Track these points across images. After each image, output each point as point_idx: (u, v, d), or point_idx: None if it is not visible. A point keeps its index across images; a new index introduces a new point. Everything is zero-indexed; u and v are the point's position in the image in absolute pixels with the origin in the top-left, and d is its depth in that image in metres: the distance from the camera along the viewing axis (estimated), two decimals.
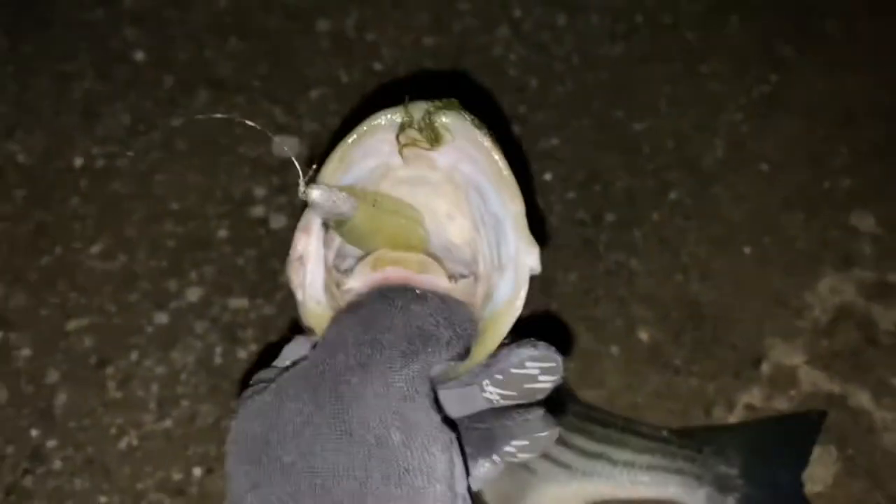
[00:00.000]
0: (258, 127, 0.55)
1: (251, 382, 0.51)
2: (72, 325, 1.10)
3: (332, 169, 0.53)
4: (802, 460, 0.97)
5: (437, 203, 0.55)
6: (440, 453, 0.45)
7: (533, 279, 0.53)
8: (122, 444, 1.01)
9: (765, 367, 1.09)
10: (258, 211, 1.22)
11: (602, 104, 1.35)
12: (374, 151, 0.52)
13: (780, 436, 1.01)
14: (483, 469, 0.50)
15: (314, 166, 0.52)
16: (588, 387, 1.08)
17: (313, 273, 0.54)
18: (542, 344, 0.51)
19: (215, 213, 1.22)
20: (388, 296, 0.49)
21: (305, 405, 0.46)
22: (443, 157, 0.52)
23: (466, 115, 0.52)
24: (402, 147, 0.51)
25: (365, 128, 0.52)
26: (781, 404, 1.06)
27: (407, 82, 1.38)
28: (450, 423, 0.48)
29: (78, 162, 1.27)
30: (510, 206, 0.52)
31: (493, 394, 0.51)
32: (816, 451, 1.00)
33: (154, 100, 1.34)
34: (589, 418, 0.99)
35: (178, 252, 1.17)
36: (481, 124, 0.52)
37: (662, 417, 1.04)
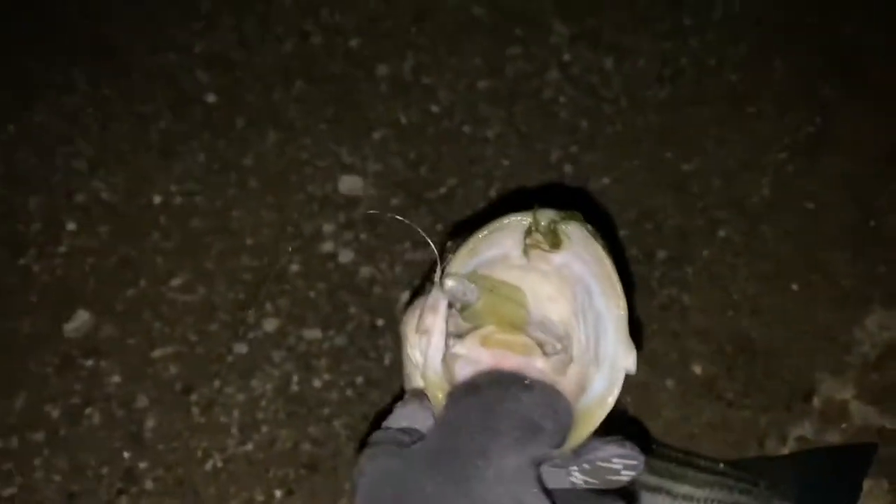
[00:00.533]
0: (420, 231, 0.69)
1: (371, 441, 0.59)
2: (157, 353, 1.18)
3: (463, 256, 0.63)
4: (854, 493, 1.02)
5: (542, 287, 0.63)
6: None
7: None
8: (208, 466, 1.08)
9: (816, 401, 1.13)
10: (327, 246, 1.30)
11: (651, 145, 1.41)
12: (499, 244, 0.62)
13: (833, 468, 1.05)
14: None
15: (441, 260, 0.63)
16: (644, 418, 1.13)
17: (435, 346, 0.63)
18: (629, 444, 0.59)
19: (287, 248, 1.29)
20: (502, 383, 0.57)
21: (435, 479, 0.53)
22: (558, 257, 0.62)
23: (587, 227, 0.61)
24: (527, 248, 0.61)
25: (495, 226, 0.62)
26: (833, 437, 1.10)
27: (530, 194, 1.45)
28: None
29: (157, 199, 1.35)
30: (614, 310, 0.61)
31: (578, 479, 0.58)
32: (868, 484, 1.04)
33: (227, 139, 1.43)
34: (650, 451, 1.04)
35: (255, 285, 1.25)
36: (597, 234, 0.62)
37: (717, 448, 1.09)
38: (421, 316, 0.64)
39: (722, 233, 1.30)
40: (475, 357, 0.61)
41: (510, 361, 0.59)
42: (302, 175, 1.38)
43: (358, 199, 1.35)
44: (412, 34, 1.58)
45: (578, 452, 0.58)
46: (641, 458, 0.58)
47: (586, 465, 0.58)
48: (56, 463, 1.08)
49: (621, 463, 0.57)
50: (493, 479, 0.52)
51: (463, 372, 0.61)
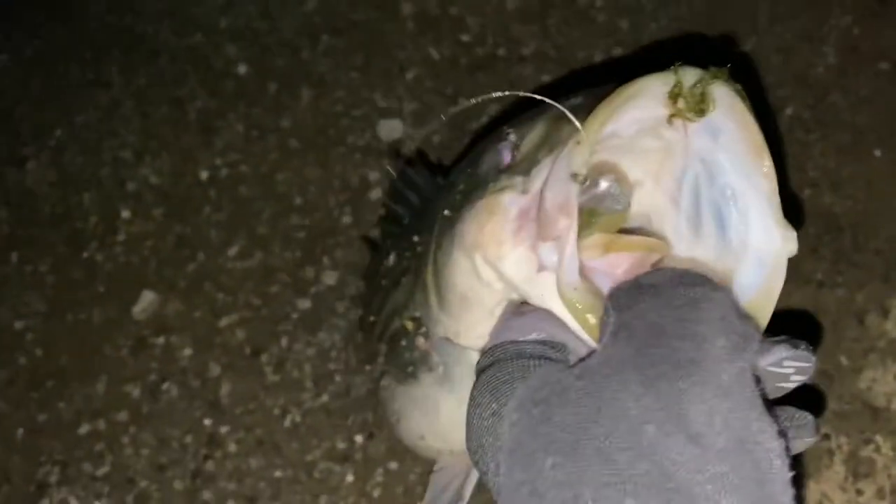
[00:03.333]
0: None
1: (499, 357, 0.50)
2: (223, 322, 1.18)
3: (592, 132, 0.51)
4: None
5: (633, 168, 0.56)
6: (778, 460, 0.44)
7: None
8: (287, 422, 1.07)
9: None
10: (376, 193, 1.27)
11: (700, 32, 1.32)
12: (635, 112, 0.51)
13: None
14: None
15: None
16: None
17: (570, 258, 0.51)
18: (801, 343, 0.49)
19: (336, 202, 1.27)
20: (685, 282, 0.48)
21: (637, 397, 0.44)
22: (681, 126, 0.51)
23: (735, 86, 0.51)
24: (670, 117, 0.51)
25: (629, 92, 0.50)
26: None
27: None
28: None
29: (204, 175, 1.35)
30: (760, 185, 0.50)
31: None
32: None
33: (262, 107, 1.41)
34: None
35: (309, 242, 1.23)
36: (745, 95, 0.51)
37: (814, 330, 1.01)
38: (544, 218, 0.52)
39: (789, 111, 1.21)
40: (613, 264, 0.52)
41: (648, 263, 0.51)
42: (340, 128, 1.35)
43: (399, 142, 1.31)
44: None
45: None
46: (813, 359, 0.49)
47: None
48: (143, 438, 1.10)
49: (792, 366, 0.49)
50: (711, 395, 0.43)
51: (604, 285, 0.52)
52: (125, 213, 1.32)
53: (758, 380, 0.47)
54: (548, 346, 0.51)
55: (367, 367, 1.04)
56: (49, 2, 1.62)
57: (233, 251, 1.25)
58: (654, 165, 0.56)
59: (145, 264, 1.26)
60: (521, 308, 0.56)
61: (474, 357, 0.59)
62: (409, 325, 0.75)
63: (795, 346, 0.49)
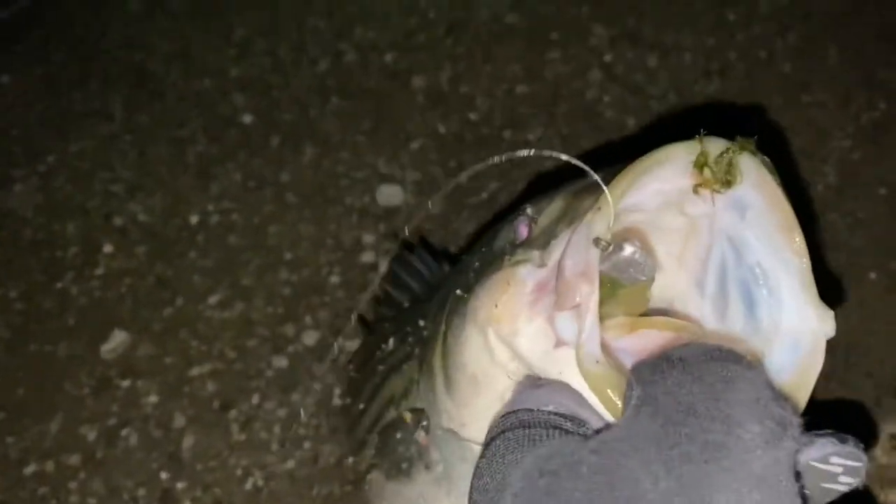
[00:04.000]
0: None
1: (505, 426, 0.47)
2: (195, 371, 1.13)
3: (620, 191, 0.49)
4: None
5: (658, 248, 0.53)
6: None
7: None
8: (248, 485, 1.02)
9: None
10: (368, 256, 1.25)
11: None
12: (658, 182, 0.49)
13: None
14: None
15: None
16: None
17: (591, 327, 0.48)
18: (849, 438, 0.44)
19: (327, 261, 1.24)
20: (716, 358, 0.44)
21: (656, 476, 0.40)
22: (703, 202, 0.49)
23: (762, 158, 0.48)
24: (695, 187, 0.48)
25: (654, 159, 0.48)
26: None
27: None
28: None
29: (194, 219, 1.32)
30: (792, 261, 0.47)
31: None
32: None
33: (263, 158, 1.40)
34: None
35: (294, 298, 1.20)
36: (773, 168, 0.49)
37: None
38: (564, 286, 0.49)
39: None
40: (638, 345, 0.49)
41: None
42: (339, 188, 1.34)
43: (397, 209, 1.30)
44: (447, 45, 1.55)
45: None
46: (865, 459, 0.44)
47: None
48: (92, 486, 1.03)
49: (840, 465, 0.43)
50: (741, 485, 0.39)
51: (627, 362, 0.48)
52: (108, 248, 1.29)
53: (798, 475, 0.42)
54: (564, 418, 0.47)
55: (351, 460, 0.99)
56: (62, 27, 1.62)
57: (214, 299, 1.21)
58: (677, 246, 0.53)
59: (121, 302, 1.22)
60: (537, 381, 0.52)
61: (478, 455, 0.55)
62: (409, 416, 0.70)
63: (843, 441, 0.44)
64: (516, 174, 1.33)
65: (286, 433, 1.06)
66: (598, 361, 0.47)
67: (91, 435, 1.08)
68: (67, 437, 1.08)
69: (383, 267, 1.23)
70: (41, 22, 1.67)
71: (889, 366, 1.06)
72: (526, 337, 0.53)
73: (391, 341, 0.86)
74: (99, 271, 1.26)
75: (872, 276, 1.15)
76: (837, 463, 0.43)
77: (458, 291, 0.63)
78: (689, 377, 0.43)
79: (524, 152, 0.57)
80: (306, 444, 1.05)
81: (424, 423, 0.68)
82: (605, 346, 0.49)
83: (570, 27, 1.53)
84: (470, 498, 0.46)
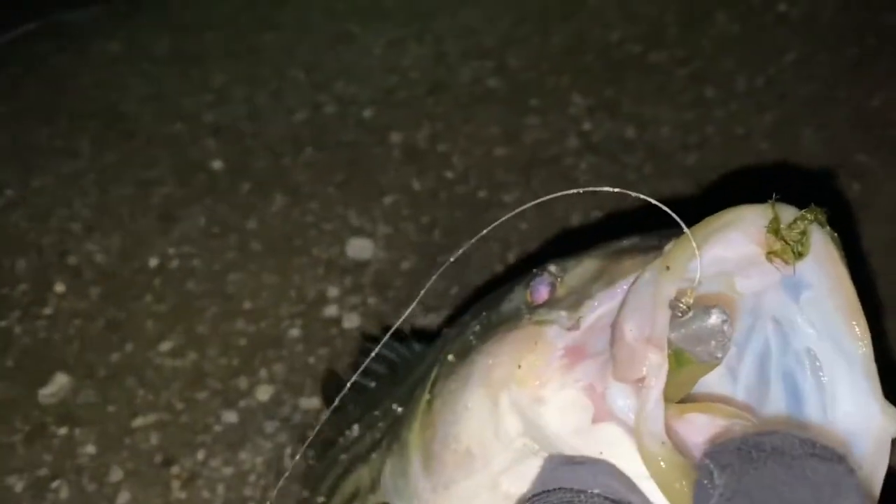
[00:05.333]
0: None
1: (538, 498, 0.41)
2: (138, 421, 1.06)
3: (682, 263, 0.43)
4: None
5: None
6: None
7: None
8: None
9: None
10: (331, 311, 1.20)
11: (679, 212, 1.33)
12: (727, 246, 0.44)
13: None
14: None
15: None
16: None
17: (657, 402, 0.42)
18: None
19: (288, 313, 1.19)
20: (823, 456, 0.38)
21: None
22: (760, 276, 0.44)
23: (832, 233, 0.44)
24: (768, 254, 0.43)
25: (727, 219, 0.44)
26: None
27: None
28: None
29: (153, 262, 1.27)
30: (853, 350, 0.42)
31: None
32: None
33: (230, 204, 1.36)
34: None
35: (249, 350, 1.14)
36: (839, 244, 0.44)
37: None
38: (626, 352, 0.43)
39: None
40: (690, 433, 0.43)
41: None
42: (307, 238, 1.30)
43: (366, 263, 1.26)
44: (428, 104, 1.54)
45: None
46: None
47: None
48: None
49: None
50: None
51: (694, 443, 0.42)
52: (59, 287, 1.23)
53: None
54: (612, 503, 0.41)
55: None
56: (36, 62, 1.60)
57: (165, 346, 1.15)
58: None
59: (67, 344, 1.16)
60: (573, 459, 0.46)
61: None
62: None
63: None
64: (490, 233, 1.29)
65: (230, 494, 0.98)
66: (663, 443, 0.41)
67: (18, 486, 1.00)
68: None
69: (347, 322, 1.18)
70: (17, 58, 1.65)
71: None
72: (554, 406, 0.47)
73: (356, 427, 0.79)
74: (47, 311, 1.20)
75: None
76: None
77: (451, 357, 0.57)
78: (790, 473, 0.38)
79: (604, 188, 0.52)
80: None
81: None
82: (672, 437, 0.42)
83: (549, 94, 1.53)
84: None
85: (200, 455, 1.03)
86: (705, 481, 0.38)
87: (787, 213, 0.43)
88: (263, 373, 1.12)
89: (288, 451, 1.03)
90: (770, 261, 0.43)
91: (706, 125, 1.46)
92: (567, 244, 1.30)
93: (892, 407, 0.42)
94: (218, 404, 1.08)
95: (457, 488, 0.52)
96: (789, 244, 0.42)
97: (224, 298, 1.22)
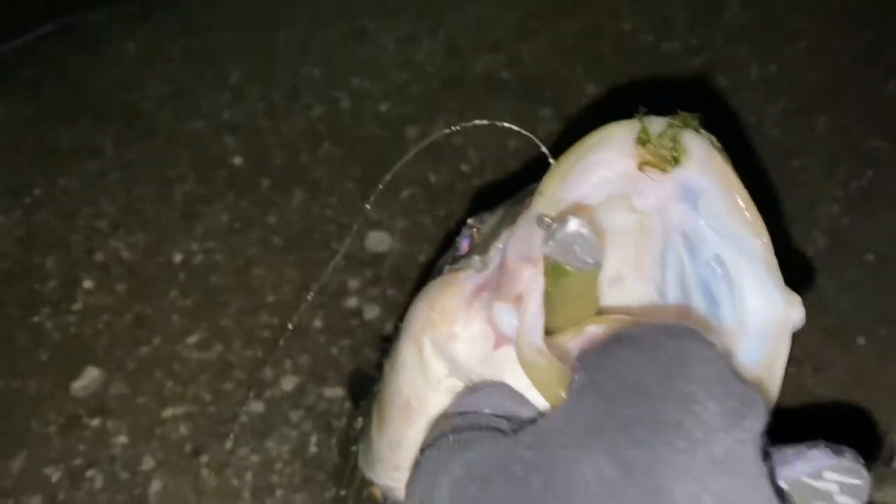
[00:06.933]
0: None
1: (439, 433, 0.42)
2: (168, 412, 1.10)
3: (553, 182, 0.45)
4: None
5: (609, 259, 0.47)
6: None
7: None
8: None
9: None
10: (352, 302, 1.22)
11: None
12: (600, 164, 0.45)
13: None
14: None
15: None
16: None
17: (534, 315, 0.44)
18: (846, 450, 0.39)
19: (310, 305, 1.22)
20: (672, 334, 0.38)
21: (605, 467, 0.35)
22: (654, 191, 0.45)
23: (709, 137, 0.45)
24: (641, 165, 0.44)
25: (594, 139, 0.45)
26: None
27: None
28: None
29: (177, 258, 1.30)
30: (754, 247, 0.43)
31: None
32: None
33: (251, 200, 1.39)
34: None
35: (274, 342, 1.17)
36: (721, 147, 0.45)
37: None
38: (506, 275, 0.45)
39: None
40: (588, 343, 0.43)
41: None
42: (326, 233, 1.33)
43: (385, 255, 1.29)
44: (442, 98, 1.56)
45: (766, 464, 0.37)
46: (864, 473, 0.39)
47: (783, 484, 0.38)
48: None
49: (836, 481, 0.38)
50: (701, 469, 0.33)
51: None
52: (87, 283, 1.26)
53: (782, 493, 0.37)
54: (503, 420, 0.42)
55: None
56: (58, 66, 1.63)
57: (192, 340, 1.18)
58: (631, 250, 0.48)
59: (97, 339, 1.19)
60: (472, 387, 0.48)
61: None
62: (377, 491, 0.65)
63: (838, 453, 0.39)
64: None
65: (258, 481, 1.01)
66: (540, 352, 0.43)
67: (55, 475, 1.04)
68: (30, 477, 1.04)
69: (367, 313, 1.21)
70: (39, 59, 1.68)
71: (880, 434, 1.04)
72: (464, 341, 0.49)
73: (360, 420, 0.82)
74: (76, 307, 1.23)
75: (861, 341, 1.13)
76: (832, 479, 0.38)
77: (401, 323, 0.59)
78: (639, 356, 0.38)
79: (476, 122, 0.54)
80: (278, 493, 1.01)
81: (390, 500, 0.63)
82: (551, 346, 0.44)
83: (563, 86, 1.54)
84: None
85: (229, 444, 1.06)
86: (573, 380, 0.39)
87: (657, 124, 0.44)
88: (288, 363, 1.15)
89: (313, 439, 1.06)
90: (643, 171, 0.44)
91: (720, 113, 1.47)
92: None
93: (795, 296, 0.44)
94: (244, 395, 1.11)
95: (406, 441, 0.54)
96: (661, 153, 0.43)
97: (247, 292, 1.24)
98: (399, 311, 1.21)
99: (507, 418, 0.42)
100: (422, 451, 0.43)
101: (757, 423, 0.36)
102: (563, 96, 1.53)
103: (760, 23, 1.60)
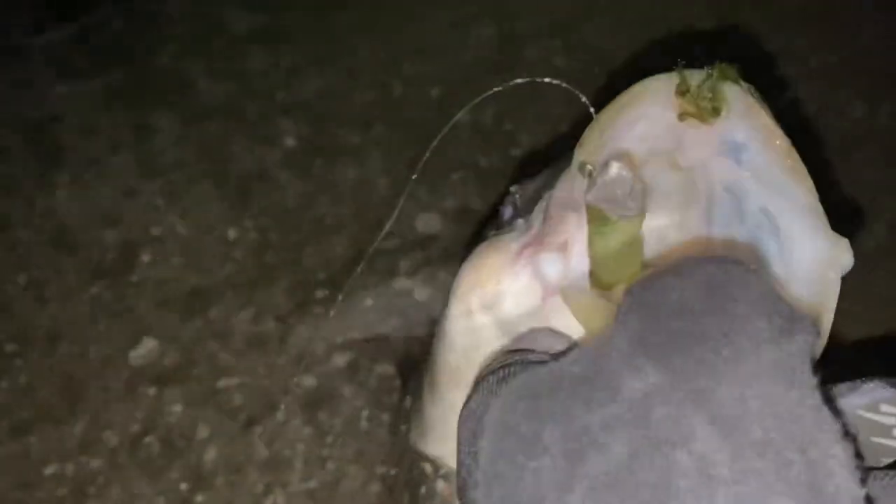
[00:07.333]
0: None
1: (490, 369, 0.43)
2: (222, 383, 1.12)
3: (593, 139, 0.46)
4: None
5: (653, 222, 0.47)
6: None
7: None
8: (269, 502, 0.99)
9: None
10: (403, 283, 1.23)
11: None
12: (641, 118, 0.45)
13: None
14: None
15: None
16: None
17: (579, 256, 0.45)
18: None
19: (362, 284, 1.23)
20: (716, 262, 0.39)
21: (650, 374, 0.35)
22: (697, 147, 0.45)
23: (749, 88, 0.45)
24: (681, 115, 0.44)
25: (634, 91, 0.46)
26: None
27: None
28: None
29: (232, 234, 1.32)
30: (799, 197, 0.43)
31: None
32: None
33: (304, 180, 1.41)
34: None
35: (326, 319, 1.19)
36: (762, 98, 0.45)
37: None
38: (549, 225, 0.46)
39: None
40: None
41: None
42: (378, 214, 1.34)
43: (435, 237, 1.29)
44: (495, 83, 1.55)
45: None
46: None
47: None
48: (111, 492, 1.01)
49: (894, 414, 0.37)
50: (747, 374, 0.34)
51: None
52: (145, 257, 1.29)
53: (828, 394, 0.36)
54: (546, 355, 0.43)
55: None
56: (116, 43, 1.66)
57: (245, 314, 1.21)
58: (677, 210, 0.48)
59: (153, 311, 1.21)
60: (518, 338, 0.49)
61: None
62: (428, 467, 0.65)
63: (894, 385, 0.37)
64: None
65: (310, 452, 1.03)
66: (585, 291, 0.44)
67: (114, 440, 1.07)
68: (90, 441, 1.07)
69: (418, 294, 1.22)
70: (98, 39, 1.72)
71: None
72: (511, 297, 0.49)
73: (408, 399, 0.82)
74: (134, 279, 1.26)
75: None
76: (890, 412, 0.37)
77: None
78: (686, 280, 0.38)
79: (518, 81, 0.54)
80: (329, 465, 1.03)
81: (443, 471, 0.63)
82: (600, 294, 0.45)
83: (618, 73, 1.53)
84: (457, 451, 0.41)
85: (281, 416, 1.08)
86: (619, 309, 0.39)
87: (696, 76, 0.44)
88: (339, 340, 1.16)
89: (365, 413, 1.07)
90: (684, 121, 0.44)
91: (778, 102, 1.45)
92: None
93: (842, 239, 0.43)
94: (298, 369, 1.13)
95: (458, 406, 0.54)
96: (700, 103, 0.43)
97: (300, 270, 1.26)
98: (448, 292, 1.21)
99: (556, 354, 0.43)
100: (475, 385, 0.44)
101: (807, 338, 0.36)
102: (618, 83, 1.51)
103: (823, 10, 1.57)
